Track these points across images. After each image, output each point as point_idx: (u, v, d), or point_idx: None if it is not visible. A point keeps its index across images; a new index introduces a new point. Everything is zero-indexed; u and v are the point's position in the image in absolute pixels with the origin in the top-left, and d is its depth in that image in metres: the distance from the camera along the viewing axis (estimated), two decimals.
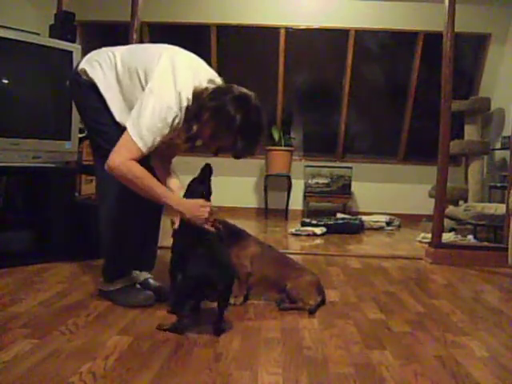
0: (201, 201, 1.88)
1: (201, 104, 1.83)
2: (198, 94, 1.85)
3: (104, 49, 2.05)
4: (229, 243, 2.10)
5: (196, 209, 1.86)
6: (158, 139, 1.81)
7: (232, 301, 2.09)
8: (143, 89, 1.88)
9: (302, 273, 2.21)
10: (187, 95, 1.83)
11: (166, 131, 1.82)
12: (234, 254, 2.10)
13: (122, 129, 1.88)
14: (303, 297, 2.12)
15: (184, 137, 1.95)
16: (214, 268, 1.76)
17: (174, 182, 2.08)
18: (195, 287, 1.75)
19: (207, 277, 1.73)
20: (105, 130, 2.00)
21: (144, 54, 1.96)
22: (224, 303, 1.80)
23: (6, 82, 2.70)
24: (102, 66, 1.98)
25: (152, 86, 1.83)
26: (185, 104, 1.83)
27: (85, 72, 2.00)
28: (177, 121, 1.83)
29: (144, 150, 1.80)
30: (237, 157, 1.94)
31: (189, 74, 1.87)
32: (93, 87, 1.98)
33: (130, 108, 1.89)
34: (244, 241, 2.21)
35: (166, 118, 1.79)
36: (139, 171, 1.79)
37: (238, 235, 2.22)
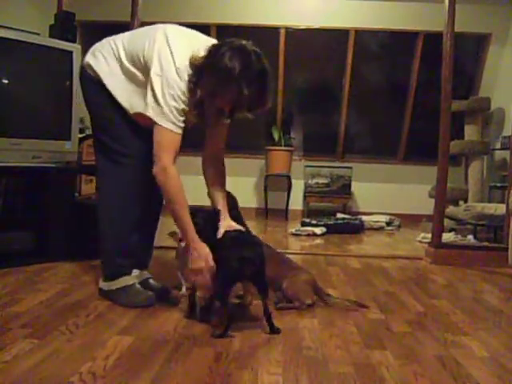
0: (209, 265, 1.82)
1: (198, 67, 1.82)
2: (195, 60, 1.83)
3: (106, 39, 2.07)
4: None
5: (199, 267, 1.82)
6: (182, 116, 1.83)
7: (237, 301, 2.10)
8: (145, 73, 1.89)
9: (297, 272, 2.21)
10: (186, 66, 1.83)
11: (184, 106, 1.83)
12: None
13: (128, 121, 1.91)
14: (299, 296, 2.12)
15: (192, 106, 1.90)
16: (246, 246, 1.81)
17: (220, 198, 2.05)
18: (236, 270, 1.76)
19: (242, 256, 1.76)
20: (110, 126, 2.01)
21: (142, 39, 1.95)
22: (263, 287, 1.82)
23: (6, 82, 2.70)
24: (106, 57, 2.00)
25: (155, 70, 1.83)
26: (186, 75, 1.82)
27: (89, 65, 2.03)
28: (187, 94, 1.83)
29: (179, 131, 1.83)
30: (251, 109, 1.84)
31: (184, 44, 1.87)
32: (98, 82, 2.01)
33: (137, 94, 1.91)
34: None
35: (178, 95, 1.80)
36: (174, 188, 1.82)
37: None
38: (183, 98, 1.83)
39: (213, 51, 1.81)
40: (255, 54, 1.80)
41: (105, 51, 2.02)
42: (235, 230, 1.95)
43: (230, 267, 1.78)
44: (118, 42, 2.00)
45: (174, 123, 1.82)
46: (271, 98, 1.84)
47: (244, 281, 1.93)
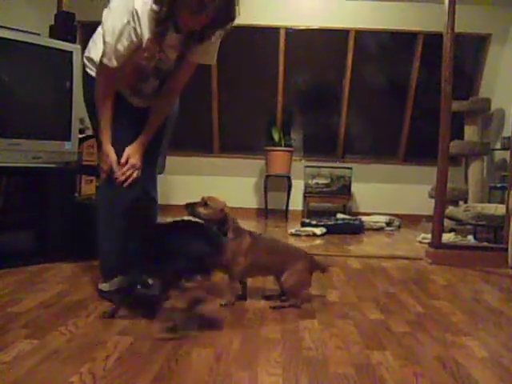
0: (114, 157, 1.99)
1: None
2: None
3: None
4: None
5: (102, 155, 2.00)
6: (121, 50, 1.86)
7: (223, 302, 2.10)
8: None
9: (295, 261, 2.17)
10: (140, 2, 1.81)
11: (126, 42, 1.84)
12: (229, 251, 2.07)
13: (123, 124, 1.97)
14: (296, 292, 2.14)
15: (155, 24, 1.86)
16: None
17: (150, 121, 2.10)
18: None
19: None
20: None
21: None
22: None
23: (6, 82, 2.70)
24: (96, 42, 2.05)
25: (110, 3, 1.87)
26: (138, 6, 1.80)
27: (87, 58, 2.08)
28: (131, 25, 1.82)
29: (107, 61, 1.88)
30: (221, 22, 1.84)
31: None
32: (89, 75, 2.05)
33: None
34: (239, 235, 2.15)
35: (115, 21, 1.83)
36: (97, 90, 1.96)
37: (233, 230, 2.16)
38: (122, 31, 1.83)
39: None
40: None
41: (95, 36, 2.08)
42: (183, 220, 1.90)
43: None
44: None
45: (105, 55, 1.87)
46: (239, 9, 1.82)
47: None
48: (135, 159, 2.02)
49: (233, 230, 2.12)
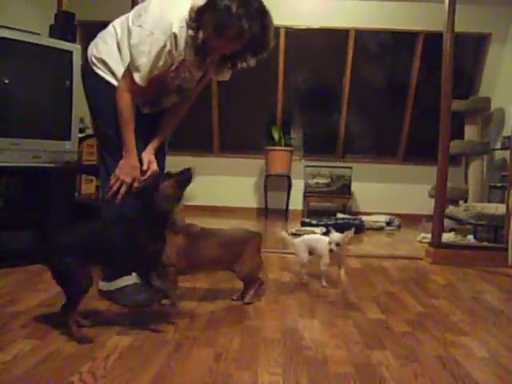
0: (136, 164, 1.95)
1: (199, 10, 1.83)
2: (195, 7, 1.84)
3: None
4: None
5: (127, 168, 1.94)
6: (153, 72, 1.88)
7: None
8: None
9: (244, 248, 2.11)
10: (179, 20, 1.83)
11: (160, 63, 1.86)
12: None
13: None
14: (253, 278, 2.15)
15: (194, 51, 1.92)
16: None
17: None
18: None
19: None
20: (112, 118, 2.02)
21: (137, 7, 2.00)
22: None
23: (6, 81, 2.70)
24: (107, 42, 2.02)
25: (140, 21, 1.87)
26: (176, 29, 1.83)
27: (98, 59, 2.03)
28: (167, 48, 1.84)
29: (139, 80, 1.87)
30: (254, 51, 1.91)
31: (179, 3, 1.87)
32: (99, 76, 2.02)
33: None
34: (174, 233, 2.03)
35: (153, 45, 1.82)
36: (125, 106, 1.91)
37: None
38: (158, 49, 1.83)
39: None
40: None
41: (104, 34, 2.06)
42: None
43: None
44: (116, 22, 2.04)
45: (137, 69, 1.86)
46: (274, 40, 1.89)
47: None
48: (155, 165, 2.04)
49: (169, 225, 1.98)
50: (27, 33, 2.81)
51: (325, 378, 1.45)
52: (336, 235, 2.40)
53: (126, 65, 1.92)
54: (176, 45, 1.86)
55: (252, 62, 1.97)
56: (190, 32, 1.86)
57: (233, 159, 5.95)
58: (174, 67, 1.94)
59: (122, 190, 1.96)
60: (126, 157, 1.97)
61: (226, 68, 2.08)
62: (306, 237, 2.68)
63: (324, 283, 2.49)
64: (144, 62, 1.85)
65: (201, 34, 1.85)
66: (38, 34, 2.99)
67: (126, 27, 1.96)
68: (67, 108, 2.86)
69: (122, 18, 2.05)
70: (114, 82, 1.99)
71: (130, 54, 1.88)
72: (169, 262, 1.99)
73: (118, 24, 2.04)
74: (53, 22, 3.28)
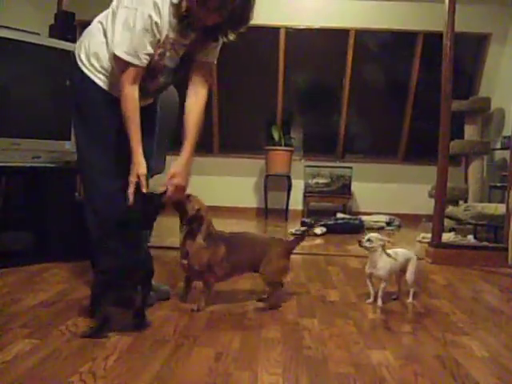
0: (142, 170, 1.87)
1: None
2: None
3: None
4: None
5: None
6: (147, 48, 1.82)
7: (194, 307, 2.03)
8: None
9: (269, 249, 2.12)
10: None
11: (150, 38, 1.81)
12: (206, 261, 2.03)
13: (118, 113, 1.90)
14: (276, 281, 2.14)
15: (177, 20, 1.86)
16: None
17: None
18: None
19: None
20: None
21: None
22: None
23: (6, 81, 2.70)
24: (94, 34, 1.98)
25: (125, 3, 1.82)
26: (166, 8, 1.80)
27: (93, 53, 1.98)
28: (154, 19, 1.79)
29: (136, 62, 1.82)
30: (234, 23, 1.89)
31: None
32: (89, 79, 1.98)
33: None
34: (214, 244, 2.06)
35: (142, 24, 1.78)
36: (129, 107, 1.85)
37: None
38: (147, 27, 1.80)
39: None
40: None
41: (91, 29, 2.01)
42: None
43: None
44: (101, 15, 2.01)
45: (128, 53, 1.81)
46: (253, 15, 1.90)
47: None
48: (179, 180, 1.99)
49: (207, 235, 2.03)
50: (27, 33, 2.81)
51: (325, 378, 1.45)
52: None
53: (118, 52, 1.84)
54: (160, 15, 1.80)
55: (232, 36, 1.93)
56: (174, 0, 1.81)
57: (233, 159, 5.95)
58: (161, 42, 1.87)
59: (130, 190, 1.88)
60: (131, 153, 1.91)
61: (210, 46, 2.01)
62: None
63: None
64: (132, 37, 1.79)
65: (184, 3, 1.81)
66: (38, 34, 2.99)
67: (111, 14, 1.91)
68: (67, 108, 2.85)
69: (105, 12, 2.00)
70: (101, 79, 1.96)
71: (120, 35, 1.82)
72: (211, 271, 2.04)
73: (101, 17, 1.99)
74: (53, 21, 3.28)
